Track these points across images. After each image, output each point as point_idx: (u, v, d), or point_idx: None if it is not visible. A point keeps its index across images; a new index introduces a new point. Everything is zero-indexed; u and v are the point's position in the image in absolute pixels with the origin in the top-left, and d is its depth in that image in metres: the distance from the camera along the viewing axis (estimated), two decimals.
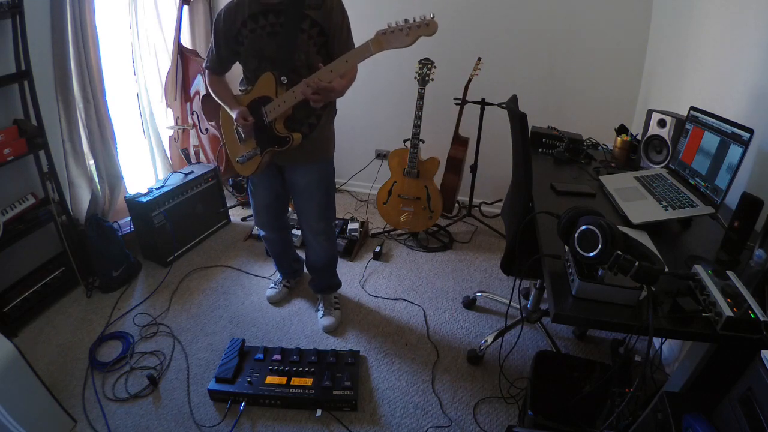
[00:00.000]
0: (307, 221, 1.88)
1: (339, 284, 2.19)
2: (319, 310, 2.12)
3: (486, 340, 1.88)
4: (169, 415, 1.63)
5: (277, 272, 2.30)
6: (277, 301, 2.22)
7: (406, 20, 1.27)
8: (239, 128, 1.69)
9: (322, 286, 2.13)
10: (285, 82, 1.53)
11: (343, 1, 1.56)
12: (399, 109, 2.90)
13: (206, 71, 1.73)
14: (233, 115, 1.65)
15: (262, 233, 2.11)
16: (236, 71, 1.72)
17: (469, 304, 2.22)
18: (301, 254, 2.38)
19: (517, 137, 1.59)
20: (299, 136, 1.62)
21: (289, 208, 2.37)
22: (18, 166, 1.96)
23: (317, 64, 1.46)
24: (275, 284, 2.28)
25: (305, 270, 2.22)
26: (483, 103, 2.60)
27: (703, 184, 1.44)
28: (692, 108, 1.59)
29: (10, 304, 1.92)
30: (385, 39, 1.30)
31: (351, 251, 2.58)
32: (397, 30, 1.28)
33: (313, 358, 1.79)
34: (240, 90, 1.73)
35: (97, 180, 2.31)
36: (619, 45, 2.55)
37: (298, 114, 1.61)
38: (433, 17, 1.25)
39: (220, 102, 1.72)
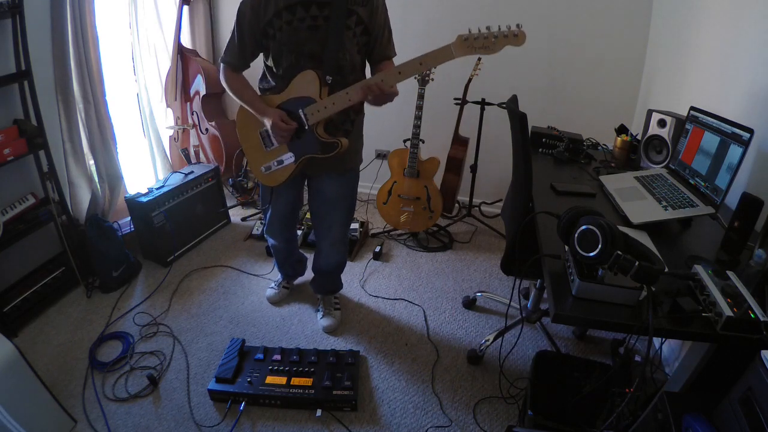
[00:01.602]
0: (328, 230, 1.83)
1: (341, 286, 2.18)
2: (319, 310, 2.12)
3: (486, 340, 1.88)
4: (169, 415, 1.63)
5: (278, 272, 2.28)
6: (276, 302, 2.21)
7: (489, 28, 1.25)
8: (273, 134, 1.50)
9: (325, 288, 2.13)
10: (330, 82, 1.41)
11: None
12: (399, 109, 2.87)
13: (223, 66, 1.53)
14: (266, 119, 1.47)
15: (271, 241, 2.05)
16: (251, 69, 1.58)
17: (469, 304, 2.22)
18: (303, 253, 2.38)
19: (517, 137, 1.59)
20: (347, 142, 1.48)
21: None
22: (18, 166, 1.96)
23: (360, 65, 1.38)
24: (275, 285, 2.26)
25: (310, 271, 2.19)
26: (483, 103, 2.60)
27: (703, 184, 1.44)
28: (692, 108, 1.59)
29: (10, 304, 1.92)
30: (467, 44, 1.26)
31: (351, 251, 2.58)
32: (482, 37, 1.25)
33: (313, 358, 1.78)
34: (260, 89, 1.58)
35: (97, 180, 2.31)
36: (619, 45, 2.55)
37: (337, 119, 1.50)
38: (520, 27, 1.24)
39: (241, 102, 1.54)
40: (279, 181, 1.61)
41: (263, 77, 1.58)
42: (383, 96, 1.37)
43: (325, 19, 1.36)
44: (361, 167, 3.16)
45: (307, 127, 1.47)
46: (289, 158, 1.54)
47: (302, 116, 1.45)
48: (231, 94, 1.56)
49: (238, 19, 1.43)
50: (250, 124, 1.59)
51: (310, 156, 1.52)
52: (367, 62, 1.58)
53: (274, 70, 1.50)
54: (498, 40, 1.24)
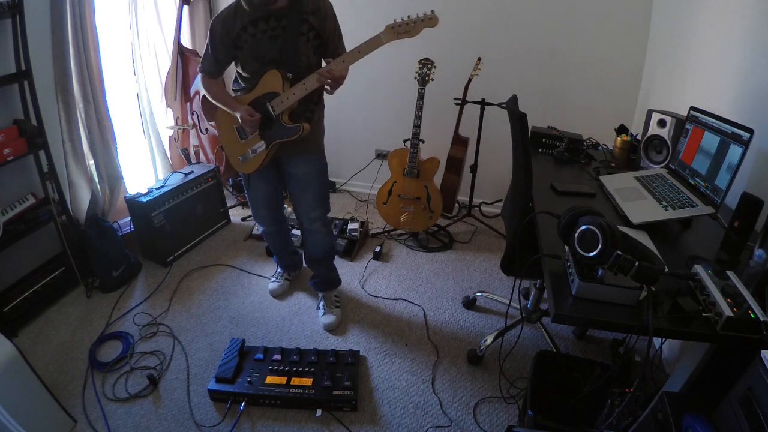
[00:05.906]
0: (305, 210, 1.94)
1: (339, 281, 2.20)
2: (319, 308, 2.13)
3: (486, 340, 1.88)
4: (169, 415, 1.63)
5: (278, 267, 2.34)
6: (279, 294, 2.27)
7: (409, 16, 1.49)
8: (244, 126, 1.72)
9: (322, 281, 2.14)
10: (290, 77, 1.62)
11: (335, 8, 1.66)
12: (399, 109, 2.90)
13: (201, 75, 1.77)
14: (237, 114, 1.68)
15: (262, 228, 2.16)
16: (228, 72, 1.76)
17: (469, 304, 2.22)
18: (301, 250, 2.39)
19: (517, 137, 1.59)
20: (308, 126, 1.68)
21: (285, 205, 2.44)
22: (18, 166, 1.96)
23: (315, 63, 1.56)
24: (277, 278, 2.32)
25: (304, 264, 2.26)
26: (483, 103, 2.60)
27: (703, 184, 1.44)
28: (692, 108, 1.59)
29: (10, 304, 1.92)
30: (393, 31, 1.51)
31: (351, 251, 2.58)
32: (404, 23, 1.49)
33: (312, 358, 1.78)
34: (233, 90, 1.77)
35: (97, 180, 2.31)
36: (619, 45, 2.54)
37: (299, 109, 1.70)
38: (433, 12, 1.48)
39: (217, 104, 1.76)
40: (255, 166, 1.79)
41: (235, 80, 1.77)
42: (334, 80, 1.57)
43: (283, 29, 1.57)
44: (361, 167, 3.23)
45: (274, 117, 1.67)
46: (261, 146, 1.74)
47: (269, 108, 1.65)
48: (209, 97, 1.78)
49: (211, 34, 1.63)
50: (227, 122, 1.80)
51: (278, 141, 1.72)
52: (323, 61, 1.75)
53: (243, 74, 1.70)
54: (417, 24, 1.49)
